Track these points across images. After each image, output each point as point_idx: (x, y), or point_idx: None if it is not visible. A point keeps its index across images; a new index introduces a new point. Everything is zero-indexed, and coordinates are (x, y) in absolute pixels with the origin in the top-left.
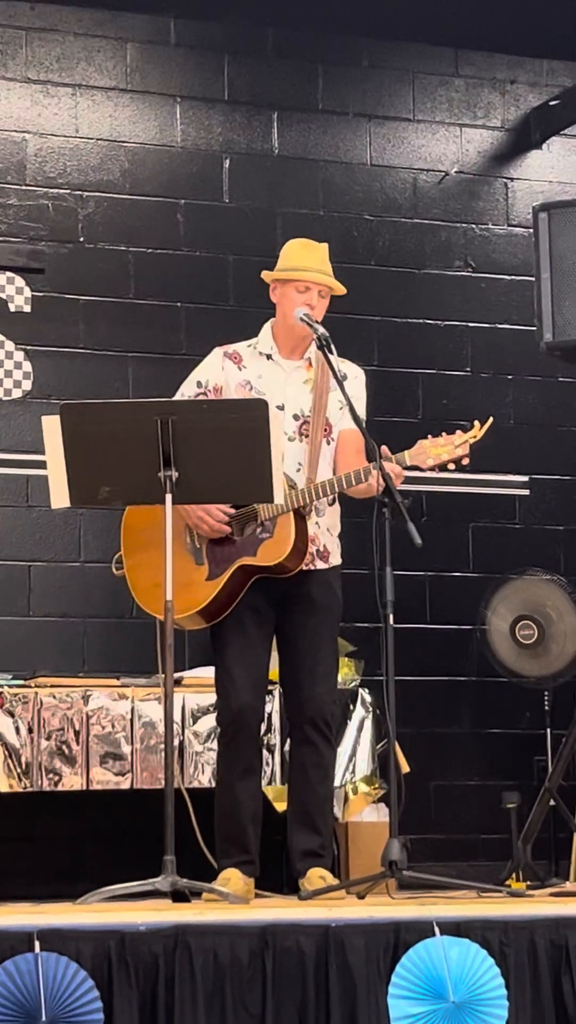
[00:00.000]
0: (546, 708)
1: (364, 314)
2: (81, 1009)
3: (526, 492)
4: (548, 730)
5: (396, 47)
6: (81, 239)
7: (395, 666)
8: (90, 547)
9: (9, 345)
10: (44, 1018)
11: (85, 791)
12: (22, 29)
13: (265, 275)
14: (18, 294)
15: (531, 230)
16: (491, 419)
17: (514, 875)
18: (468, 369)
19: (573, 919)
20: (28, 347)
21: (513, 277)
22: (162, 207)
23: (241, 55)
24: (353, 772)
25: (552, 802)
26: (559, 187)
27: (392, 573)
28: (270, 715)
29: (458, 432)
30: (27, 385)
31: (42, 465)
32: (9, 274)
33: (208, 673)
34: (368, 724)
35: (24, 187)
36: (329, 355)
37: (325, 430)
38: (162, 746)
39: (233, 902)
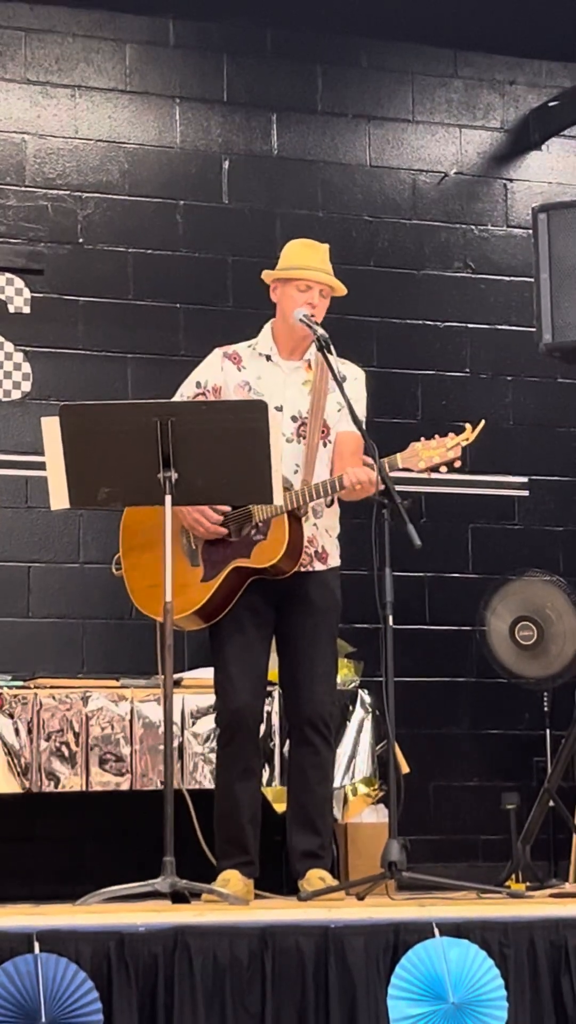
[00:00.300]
0: (545, 709)
1: (363, 315)
2: (81, 1010)
3: (526, 493)
4: (547, 731)
5: (395, 48)
6: (80, 240)
7: (394, 667)
8: (89, 548)
9: (8, 346)
10: (44, 1019)
11: (85, 792)
12: (21, 30)
13: (266, 275)
14: (17, 295)
15: (530, 231)
16: (483, 421)
17: (513, 876)
18: (467, 370)
19: (573, 920)
20: (27, 348)
21: (512, 278)
22: (161, 208)
23: (240, 56)
24: (352, 773)
25: (551, 803)
26: (558, 188)
27: (391, 574)
28: (269, 716)
29: (450, 435)
30: (26, 386)
31: (41, 466)
32: (8, 275)
33: (207, 674)
34: (368, 725)
35: (23, 188)
36: (329, 356)
37: (323, 432)
38: (161, 747)
39: (233, 903)
